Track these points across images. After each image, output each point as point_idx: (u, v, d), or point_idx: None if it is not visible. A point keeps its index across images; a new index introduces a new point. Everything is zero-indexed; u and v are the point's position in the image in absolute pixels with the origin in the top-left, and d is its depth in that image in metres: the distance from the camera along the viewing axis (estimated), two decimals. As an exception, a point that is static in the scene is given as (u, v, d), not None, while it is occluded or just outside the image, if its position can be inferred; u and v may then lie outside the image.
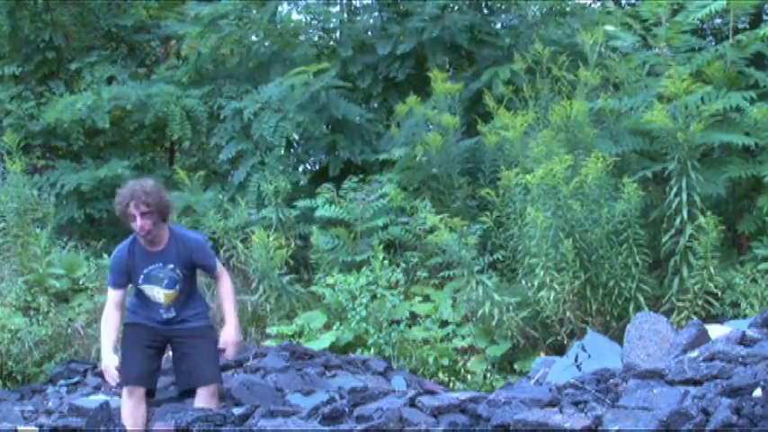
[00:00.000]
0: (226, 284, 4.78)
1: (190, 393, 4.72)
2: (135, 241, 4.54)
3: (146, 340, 4.61)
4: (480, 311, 6.33)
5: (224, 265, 7.68)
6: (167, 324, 4.61)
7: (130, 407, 4.49)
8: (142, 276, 4.52)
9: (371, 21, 9.42)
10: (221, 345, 4.70)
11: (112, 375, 4.49)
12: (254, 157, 8.52)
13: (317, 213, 7.58)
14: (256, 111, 8.48)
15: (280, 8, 9.41)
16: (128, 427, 4.41)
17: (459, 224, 6.51)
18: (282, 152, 8.70)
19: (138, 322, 4.63)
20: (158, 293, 4.55)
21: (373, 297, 6.63)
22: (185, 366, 4.65)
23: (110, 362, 4.48)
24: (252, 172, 8.37)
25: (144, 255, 4.52)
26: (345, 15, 9.66)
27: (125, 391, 4.53)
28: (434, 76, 7.78)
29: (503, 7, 9.26)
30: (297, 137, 9.31)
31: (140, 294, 4.60)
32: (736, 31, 6.70)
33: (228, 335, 4.68)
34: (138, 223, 4.39)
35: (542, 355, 5.97)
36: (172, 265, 4.54)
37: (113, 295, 4.58)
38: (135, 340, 4.60)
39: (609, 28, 7.13)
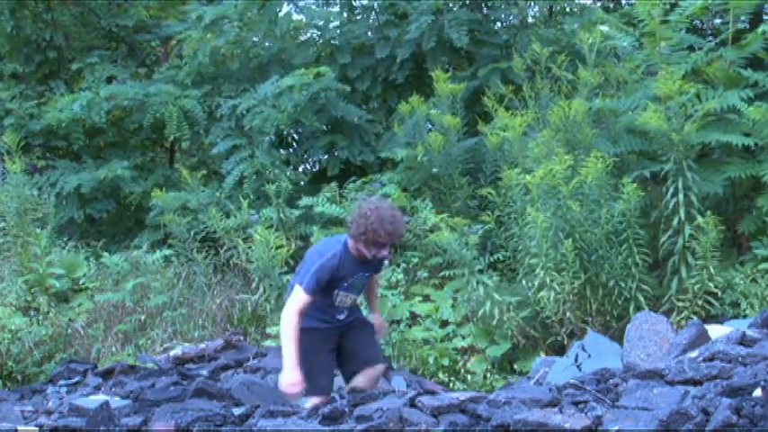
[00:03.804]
0: (376, 282, 4.95)
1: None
2: (346, 250, 4.47)
3: (328, 344, 4.54)
4: (481, 311, 6.33)
5: (224, 264, 7.77)
6: (339, 322, 4.61)
7: None
8: (345, 284, 4.49)
9: (370, 21, 9.42)
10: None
11: (298, 392, 4.36)
12: (246, 150, 8.55)
13: (317, 209, 7.58)
14: (250, 106, 8.50)
15: (279, 9, 9.42)
16: None
17: (460, 223, 6.51)
18: (272, 143, 8.73)
19: (314, 326, 4.47)
20: (348, 299, 4.56)
21: (373, 297, 6.64)
22: (354, 350, 4.62)
23: (298, 377, 4.31)
24: (240, 162, 8.42)
25: (352, 264, 4.48)
26: (345, 15, 9.67)
27: (316, 400, 4.43)
28: (436, 77, 7.78)
29: (502, 6, 9.26)
30: (296, 136, 9.33)
31: (324, 299, 4.49)
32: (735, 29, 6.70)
33: (380, 320, 4.91)
34: (384, 253, 4.44)
35: (542, 355, 5.97)
36: (368, 274, 4.61)
37: (306, 301, 4.37)
38: (318, 347, 4.48)
39: (604, 29, 7.13)
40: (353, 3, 9.72)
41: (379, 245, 4.37)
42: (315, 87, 8.30)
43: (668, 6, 6.79)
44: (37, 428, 4.55)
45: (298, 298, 4.37)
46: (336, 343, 4.63)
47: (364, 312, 5.05)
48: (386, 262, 4.86)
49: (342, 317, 4.61)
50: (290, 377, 4.30)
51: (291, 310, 4.35)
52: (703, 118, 6.12)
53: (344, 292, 4.52)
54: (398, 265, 7.04)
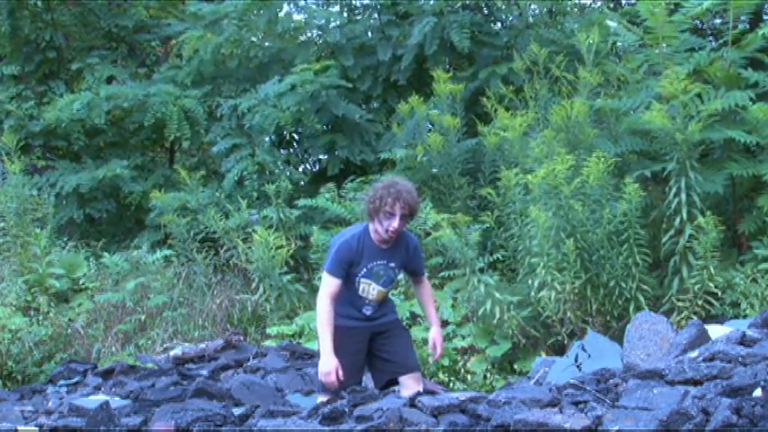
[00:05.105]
0: (429, 288, 4.75)
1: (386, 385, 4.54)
2: (366, 234, 4.40)
3: (354, 345, 4.37)
4: (482, 310, 6.32)
5: (224, 264, 7.76)
6: (368, 321, 4.47)
7: None
8: (365, 270, 4.36)
9: (371, 21, 9.42)
10: (431, 345, 4.61)
11: (334, 381, 4.20)
12: (246, 149, 8.55)
13: (319, 203, 7.58)
14: (251, 106, 8.50)
15: (279, 9, 9.42)
16: None
17: (463, 220, 6.50)
18: (273, 142, 8.71)
19: (340, 324, 4.30)
20: (373, 290, 4.40)
21: (373, 297, 6.63)
22: (387, 356, 4.49)
23: (333, 365, 4.19)
24: (240, 161, 8.41)
25: (372, 249, 4.38)
26: (345, 15, 9.66)
27: (325, 396, 4.34)
28: (437, 77, 7.78)
29: (503, 7, 9.27)
30: (296, 136, 9.32)
31: (348, 287, 4.39)
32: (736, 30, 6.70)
33: (437, 333, 4.59)
34: (395, 224, 4.27)
35: (542, 355, 5.97)
36: (393, 264, 4.43)
37: (334, 285, 4.31)
38: (343, 347, 4.26)
39: (612, 24, 7.10)
40: (354, 2, 9.72)
41: (388, 214, 4.27)
42: (317, 84, 8.29)
43: (672, 6, 6.79)
44: (37, 428, 4.55)
45: (326, 283, 4.34)
46: (366, 347, 4.47)
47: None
48: (421, 259, 4.67)
49: (369, 311, 4.45)
50: (326, 365, 4.21)
51: (322, 296, 4.31)
52: (707, 118, 6.12)
53: (366, 279, 4.38)
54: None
